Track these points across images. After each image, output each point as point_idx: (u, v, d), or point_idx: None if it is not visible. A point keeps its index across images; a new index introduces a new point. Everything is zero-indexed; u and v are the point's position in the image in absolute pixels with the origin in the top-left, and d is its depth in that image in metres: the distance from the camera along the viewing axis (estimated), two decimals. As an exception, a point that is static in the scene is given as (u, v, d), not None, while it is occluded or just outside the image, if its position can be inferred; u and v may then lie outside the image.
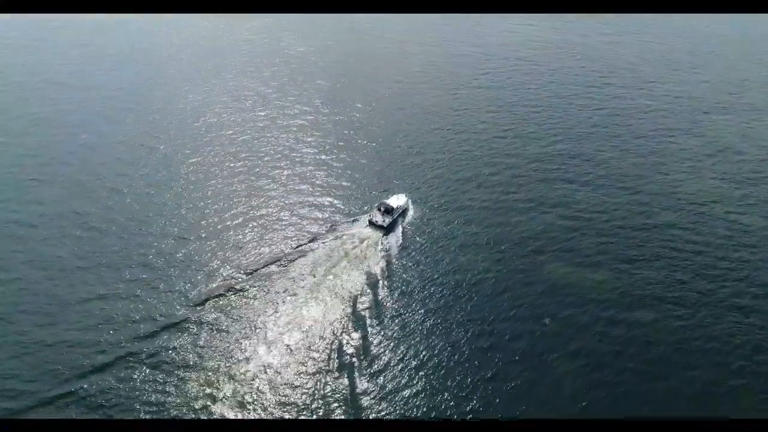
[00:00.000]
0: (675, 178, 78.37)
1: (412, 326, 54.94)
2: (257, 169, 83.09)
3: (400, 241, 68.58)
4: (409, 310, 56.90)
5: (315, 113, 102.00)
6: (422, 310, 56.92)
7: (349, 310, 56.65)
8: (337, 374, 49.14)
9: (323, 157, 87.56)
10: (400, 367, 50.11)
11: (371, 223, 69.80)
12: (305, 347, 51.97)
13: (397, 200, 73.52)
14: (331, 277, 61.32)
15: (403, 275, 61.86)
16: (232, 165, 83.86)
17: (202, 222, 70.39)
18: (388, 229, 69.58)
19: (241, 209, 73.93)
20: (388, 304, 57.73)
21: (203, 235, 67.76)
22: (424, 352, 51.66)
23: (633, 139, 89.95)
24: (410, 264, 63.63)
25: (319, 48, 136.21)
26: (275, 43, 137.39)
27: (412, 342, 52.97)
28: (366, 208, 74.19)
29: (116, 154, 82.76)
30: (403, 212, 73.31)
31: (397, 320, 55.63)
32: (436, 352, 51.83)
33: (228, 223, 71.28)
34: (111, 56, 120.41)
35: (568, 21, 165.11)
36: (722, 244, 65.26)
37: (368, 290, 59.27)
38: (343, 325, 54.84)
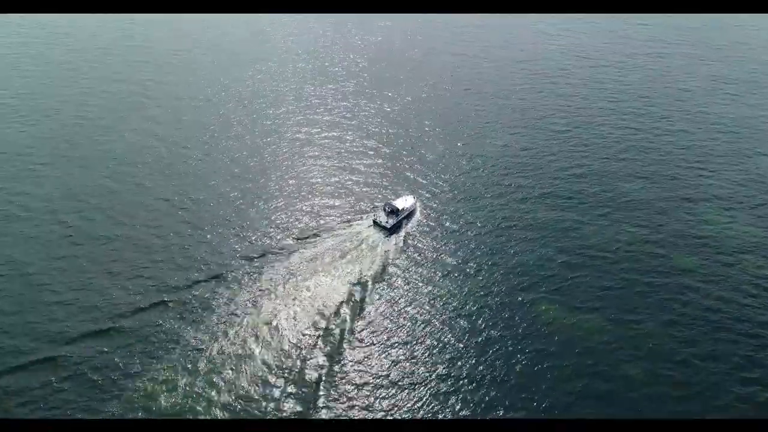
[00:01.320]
0: (702, 219, 67.45)
1: (374, 345, 50.52)
2: (272, 161, 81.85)
3: (401, 244, 65.21)
4: (381, 325, 52.74)
5: (341, 111, 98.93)
6: (394, 328, 52.48)
7: (323, 315, 53.35)
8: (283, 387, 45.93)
9: (342, 153, 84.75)
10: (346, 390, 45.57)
11: (375, 223, 67.32)
12: (268, 349, 49.65)
13: (404, 202, 69.80)
14: (321, 275, 58.43)
15: (392, 284, 57.73)
16: (248, 156, 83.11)
17: (209, 207, 70.46)
18: (391, 231, 66.42)
19: (248, 198, 72.42)
20: (367, 314, 53.89)
21: (205, 221, 67.54)
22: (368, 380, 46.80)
23: (663, 170, 78.51)
24: (400, 275, 59.39)
25: (358, 47, 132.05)
26: (315, 40, 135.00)
27: (359, 368, 48.15)
28: (377, 205, 71.43)
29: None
30: (410, 214, 69.81)
31: (366, 336, 51.58)
32: (388, 376, 47.26)
33: (236, 207, 70.46)
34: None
35: (599, 21, 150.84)
36: (746, 303, 55.01)
37: (352, 296, 55.96)
38: (310, 333, 51.28)
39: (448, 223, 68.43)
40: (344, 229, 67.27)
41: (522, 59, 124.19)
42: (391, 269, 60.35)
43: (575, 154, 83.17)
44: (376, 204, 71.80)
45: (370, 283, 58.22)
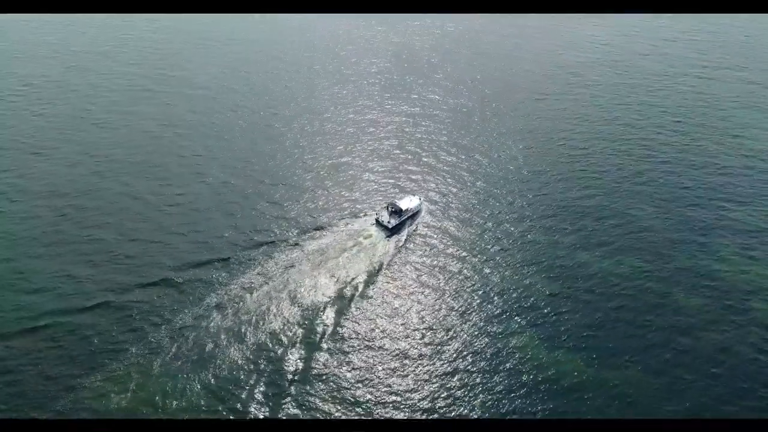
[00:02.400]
0: (716, 258, 60.19)
1: (352, 347, 49.26)
2: (286, 154, 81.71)
3: (400, 246, 63.60)
4: (363, 327, 51.36)
5: (361, 109, 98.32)
6: (373, 331, 50.93)
7: (308, 312, 52.70)
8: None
9: (358, 150, 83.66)
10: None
11: (378, 223, 65.50)
12: (242, 342, 49.28)
13: (408, 202, 67.80)
14: (314, 272, 57.56)
15: (382, 287, 56.17)
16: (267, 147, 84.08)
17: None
18: (393, 231, 64.77)
19: (256, 189, 72.35)
20: (352, 314, 52.73)
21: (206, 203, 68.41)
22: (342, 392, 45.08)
23: (681, 199, 70.44)
24: (393, 278, 57.63)
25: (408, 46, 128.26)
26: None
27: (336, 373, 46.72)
28: (381, 203, 69.68)
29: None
30: (414, 215, 67.91)
31: (346, 336, 50.48)
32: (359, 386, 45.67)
33: (243, 196, 70.76)
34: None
35: (637, 31, 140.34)
36: (750, 358, 47.88)
37: (340, 295, 54.96)
38: (291, 331, 50.52)
39: (451, 230, 65.71)
40: (346, 226, 65.78)
41: (551, 67, 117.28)
42: (385, 270, 58.62)
43: (587, 174, 76.70)
44: (381, 202, 70.10)
45: (361, 284, 56.72)
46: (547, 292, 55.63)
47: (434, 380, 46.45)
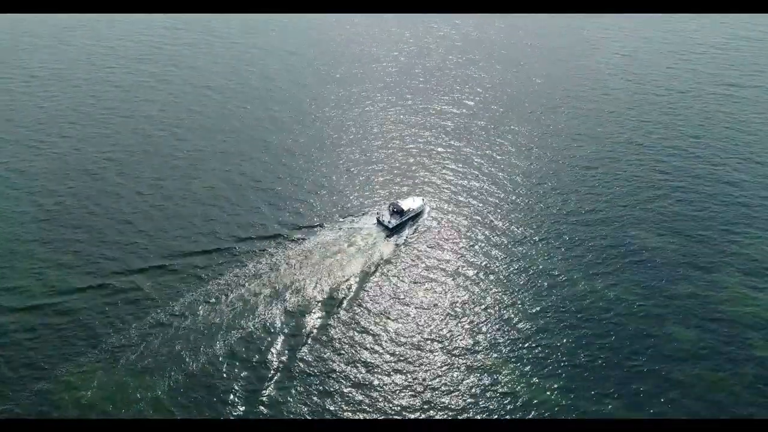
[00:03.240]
0: (721, 292, 56.46)
1: (337, 348, 49.04)
2: (300, 148, 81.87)
3: (398, 247, 62.67)
4: (349, 329, 51.00)
5: (379, 107, 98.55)
6: (360, 334, 50.58)
7: (297, 308, 52.52)
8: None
9: (368, 147, 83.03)
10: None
11: (379, 222, 64.66)
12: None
13: (411, 203, 66.88)
14: (308, 267, 57.38)
15: (376, 291, 55.71)
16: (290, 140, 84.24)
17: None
18: (393, 231, 63.92)
19: (263, 180, 72.77)
20: (341, 314, 52.39)
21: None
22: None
23: (691, 227, 66.38)
24: (388, 280, 57.06)
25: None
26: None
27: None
28: (380, 202, 68.99)
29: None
30: (416, 216, 66.98)
31: (335, 335, 50.30)
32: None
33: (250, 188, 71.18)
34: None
35: (669, 34, 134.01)
36: (749, 400, 45.27)
37: (333, 294, 54.65)
38: (278, 326, 50.43)
39: (451, 236, 64.77)
40: (348, 224, 65.32)
41: (569, 73, 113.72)
42: (379, 272, 58.11)
43: (594, 194, 73.20)
44: (381, 201, 69.30)
45: (353, 284, 56.22)
46: (532, 322, 53.45)
47: (415, 385, 46.46)
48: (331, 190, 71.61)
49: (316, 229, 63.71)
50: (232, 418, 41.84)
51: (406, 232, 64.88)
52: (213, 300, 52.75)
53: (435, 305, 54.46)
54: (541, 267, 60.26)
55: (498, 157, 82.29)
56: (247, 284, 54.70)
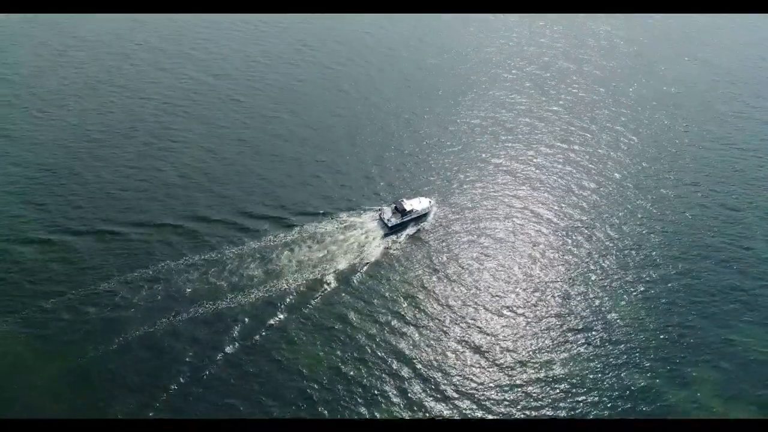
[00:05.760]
0: (732, 334, 50.63)
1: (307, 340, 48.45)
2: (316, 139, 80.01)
3: (394, 247, 61.00)
4: (324, 321, 50.35)
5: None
6: (334, 326, 49.87)
7: (275, 296, 52.26)
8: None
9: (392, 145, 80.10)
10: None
11: (381, 219, 63.72)
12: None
13: (417, 203, 64.75)
14: (299, 256, 57.29)
15: (354, 286, 54.58)
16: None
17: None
18: (392, 230, 62.60)
19: (279, 166, 71.80)
20: (317, 306, 51.80)
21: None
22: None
23: (705, 263, 59.79)
24: (367, 281, 55.69)
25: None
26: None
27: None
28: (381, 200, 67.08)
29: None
30: (419, 218, 64.91)
31: (309, 327, 49.55)
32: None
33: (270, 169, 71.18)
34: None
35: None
36: None
37: (315, 285, 54.17)
38: (255, 312, 50.45)
39: (453, 243, 62.39)
40: (351, 217, 64.34)
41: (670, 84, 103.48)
42: (365, 270, 56.90)
43: (622, 218, 67.18)
44: (384, 199, 67.76)
45: (332, 278, 55.53)
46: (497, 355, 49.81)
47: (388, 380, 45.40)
48: (340, 182, 69.98)
49: (318, 218, 62.96)
50: (249, 418, 41.80)
51: (406, 232, 63.00)
52: (198, 268, 54.38)
53: (405, 316, 52.45)
54: (553, 290, 56.98)
55: (528, 167, 77.42)
56: (223, 264, 55.51)
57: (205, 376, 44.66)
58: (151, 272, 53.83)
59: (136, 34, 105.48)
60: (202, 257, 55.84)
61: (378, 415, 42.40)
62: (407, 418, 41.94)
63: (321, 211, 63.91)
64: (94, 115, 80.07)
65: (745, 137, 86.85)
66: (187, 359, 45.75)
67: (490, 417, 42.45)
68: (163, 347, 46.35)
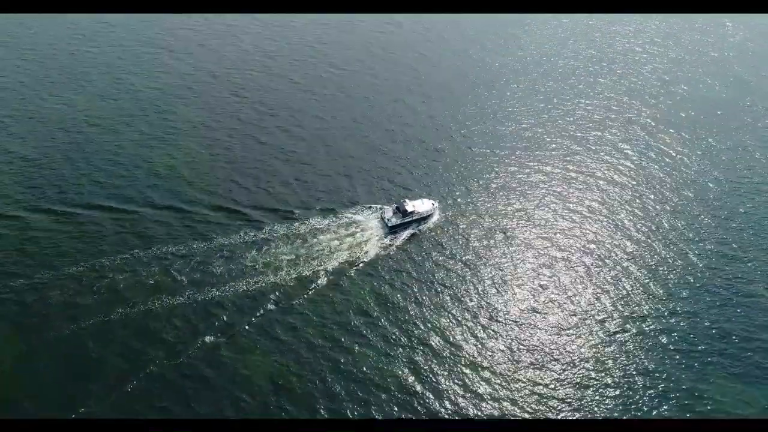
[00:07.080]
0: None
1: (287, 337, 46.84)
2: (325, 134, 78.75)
3: (391, 247, 58.85)
4: (307, 318, 48.71)
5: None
6: (316, 323, 48.34)
7: (266, 288, 50.83)
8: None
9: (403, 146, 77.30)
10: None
11: (381, 219, 61.65)
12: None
13: (420, 205, 61.66)
14: (295, 249, 55.86)
15: (342, 284, 52.75)
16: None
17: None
18: (392, 230, 60.04)
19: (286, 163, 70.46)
20: (305, 301, 50.21)
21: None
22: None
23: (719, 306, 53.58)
24: (359, 280, 53.55)
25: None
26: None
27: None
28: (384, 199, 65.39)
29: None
30: (422, 219, 62.18)
31: (291, 322, 47.86)
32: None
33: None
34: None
35: None
36: None
37: (300, 281, 52.40)
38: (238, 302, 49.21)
39: (454, 248, 59.44)
40: (352, 214, 62.42)
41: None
42: (358, 268, 54.95)
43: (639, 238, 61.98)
44: (387, 199, 65.29)
45: (323, 275, 53.78)
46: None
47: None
48: (345, 180, 68.00)
49: (317, 212, 61.68)
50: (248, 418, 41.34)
51: (406, 233, 60.28)
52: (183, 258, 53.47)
53: (387, 328, 49.84)
54: (521, 339, 53.32)
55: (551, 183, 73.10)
56: (220, 256, 54.57)
57: (150, 372, 43.53)
58: (118, 261, 53.06)
59: (141, 31, 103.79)
60: (180, 249, 55.16)
61: (377, 415, 41.73)
62: (406, 418, 41.50)
63: (322, 208, 62.49)
64: (97, 100, 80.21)
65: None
66: (144, 354, 44.88)
67: (483, 417, 41.84)
68: (115, 338, 45.34)
